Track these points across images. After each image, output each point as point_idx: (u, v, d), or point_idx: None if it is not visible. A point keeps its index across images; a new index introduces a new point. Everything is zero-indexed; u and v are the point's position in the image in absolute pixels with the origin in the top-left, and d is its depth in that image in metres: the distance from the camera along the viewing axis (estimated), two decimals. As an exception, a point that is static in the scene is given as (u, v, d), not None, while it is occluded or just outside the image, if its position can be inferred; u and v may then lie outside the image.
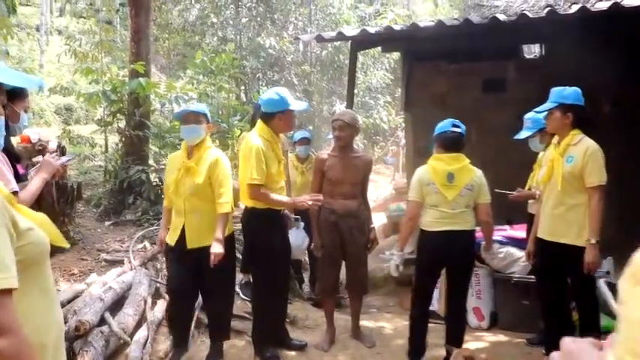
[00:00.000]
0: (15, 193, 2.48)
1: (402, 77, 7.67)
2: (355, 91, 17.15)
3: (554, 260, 3.65)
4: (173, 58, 17.36)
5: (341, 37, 5.76)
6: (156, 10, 15.74)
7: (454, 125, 3.83)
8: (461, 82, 6.89)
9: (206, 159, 3.60)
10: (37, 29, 20.41)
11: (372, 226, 4.43)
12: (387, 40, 6.19)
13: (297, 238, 4.57)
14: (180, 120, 3.76)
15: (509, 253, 4.77)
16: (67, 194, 5.69)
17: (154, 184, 7.22)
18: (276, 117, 3.79)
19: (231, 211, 3.63)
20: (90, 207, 7.50)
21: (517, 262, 4.69)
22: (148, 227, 6.51)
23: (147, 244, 5.92)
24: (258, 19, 15.14)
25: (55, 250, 5.70)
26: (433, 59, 6.89)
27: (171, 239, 3.70)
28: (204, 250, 3.51)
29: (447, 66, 6.97)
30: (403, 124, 17.98)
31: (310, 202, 3.77)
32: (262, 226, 3.87)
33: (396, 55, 19.92)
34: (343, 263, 4.39)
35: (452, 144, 3.79)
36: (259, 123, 3.87)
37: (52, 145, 5.59)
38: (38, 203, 5.42)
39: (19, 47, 19.46)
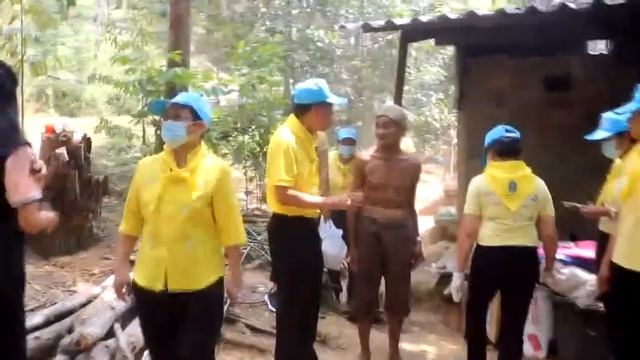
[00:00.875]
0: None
1: (456, 73, 7.09)
2: (406, 87, 16.60)
3: (632, 291, 3.04)
4: (223, 50, 17.16)
5: (390, 25, 5.23)
6: (206, 2, 15.58)
7: (508, 130, 3.57)
8: (521, 78, 6.30)
9: (205, 169, 2.62)
10: (95, 20, 20.76)
11: (419, 239, 3.90)
12: (441, 31, 5.63)
13: (334, 245, 4.10)
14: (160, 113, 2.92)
15: (573, 274, 4.16)
16: (91, 188, 5.39)
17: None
18: (312, 110, 3.27)
19: (245, 241, 2.82)
20: (123, 201, 7.24)
21: (583, 285, 4.07)
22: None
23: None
24: (309, 10, 14.68)
25: (78, 248, 5.45)
26: (490, 53, 6.31)
27: (145, 278, 2.60)
28: (192, 296, 2.55)
29: (506, 61, 6.37)
30: (456, 123, 17.38)
31: (350, 201, 3.20)
32: (292, 238, 3.29)
33: (451, 50, 19.10)
34: (383, 279, 3.90)
35: (509, 150, 3.51)
36: (291, 117, 3.39)
37: (77, 137, 5.31)
38: (60, 199, 5.20)
39: (75, 38, 19.82)
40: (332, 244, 4.05)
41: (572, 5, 4.74)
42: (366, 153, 3.86)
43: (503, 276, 3.44)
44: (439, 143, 17.79)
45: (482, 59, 6.36)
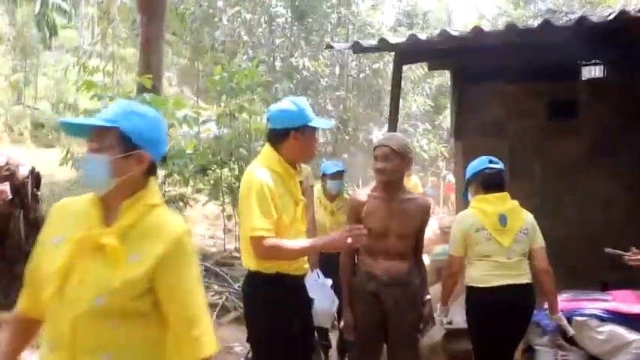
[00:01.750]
0: None
1: (451, 100, 6.55)
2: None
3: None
4: (204, 80, 16.64)
5: (383, 45, 4.65)
6: (187, 31, 15.07)
7: (491, 162, 3.40)
8: (521, 105, 5.76)
9: (146, 232, 1.56)
10: (77, 50, 20.26)
11: (428, 297, 3.22)
12: (438, 52, 5.09)
13: (324, 298, 3.42)
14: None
15: (614, 333, 3.50)
16: (39, 230, 4.66)
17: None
18: (291, 137, 2.61)
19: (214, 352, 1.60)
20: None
21: (627, 347, 3.42)
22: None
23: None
24: (292, 39, 14.22)
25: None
26: (488, 78, 5.79)
27: None
28: None
29: (505, 86, 5.85)
30: (445, 154, 17.04)
31: (350, 239, 2.46)
32: (272, 304, 2.58)
33: (438, 79, 18.95)
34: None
35: (494, 183, 3.34)
36: (266, 148, 2.73)
37: (23, 171, 4.60)
38: (2, 242, 4.48)
39: (56, 68, 19.30)
40: (321, 296, 3.37)
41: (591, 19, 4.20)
42: (362, 192, 3.16)
43: (504, 318, 3.17)
44: (427, 175, 17.29)
45: (479, 85, 5.86)
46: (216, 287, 5.05)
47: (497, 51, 4.88)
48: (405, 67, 17.02)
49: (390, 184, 3.03)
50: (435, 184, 16.11)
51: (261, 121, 7.04)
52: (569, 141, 5.56)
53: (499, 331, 3.21)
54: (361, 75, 15.40)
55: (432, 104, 17.75)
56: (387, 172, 2.99)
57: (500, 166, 3.38)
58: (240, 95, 7.00)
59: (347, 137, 15.43)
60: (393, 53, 5.11)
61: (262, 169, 2.60)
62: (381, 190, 3.06)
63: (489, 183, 3.34)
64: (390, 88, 5.68)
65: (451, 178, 12.22)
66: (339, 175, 4.83)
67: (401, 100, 16.22)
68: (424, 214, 3.12)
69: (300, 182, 4.25)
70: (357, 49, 4.90)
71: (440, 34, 4.43)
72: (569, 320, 3.45)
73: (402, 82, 16.61)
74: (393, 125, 5.06)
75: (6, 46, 20.07)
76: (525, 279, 3.23)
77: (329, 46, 5.16)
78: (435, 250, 7.62)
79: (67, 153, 7.35)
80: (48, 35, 24.54)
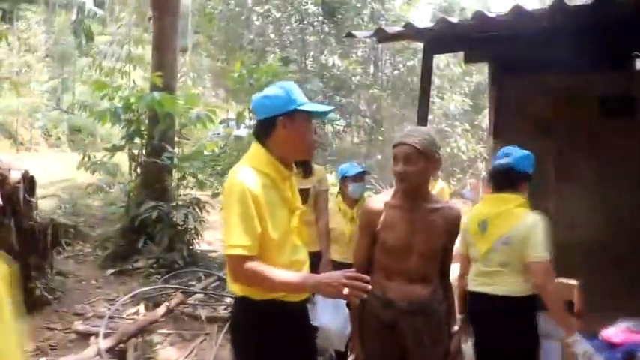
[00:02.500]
0: None
1: (489, 95, 5.95)
2: (430, 116, 15.48)
3: None
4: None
5: (410, 31, 4.11)
6: (215, 31, 14.76)
7: (505, 155, 3.01)
8: (570, 100, 5.09)
9: None
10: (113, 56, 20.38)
11: (456, 328, 2.66)
12: (470, 44, 4.52)
13: (336, 318, 2.94)
14: None
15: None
16: (35, 240, 4.28)
17: (172, 224, 5.76)
18: (279, 125, 2.16)
19: None
20: (97, 249, 6.15)
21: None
22: (154, 281, 5.03)
23: (141, 308, 4.41)
24: (322, 36, 13.73)
25: (15, 314, 4.32)
26: (530, 71, 5.18)
27: None
28: None
29: (550, 79, 5.22)
30: (485, 155, 16.25)
31: (347, 290, 1.95)
32: (263, 338, 2.15)
33: (477, 77, 18.17)
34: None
35: (497, 181, 2.99)
36: (253, 147, 2.24)
37: (15, 176, 4.24)
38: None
39: (90, 73, 19.36)
40: (334, 316, 2.92)
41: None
42: (379, 199, 2.57)
43: (480, 327, 2.91)
44: (466, 177, 16.56)
45: (522, 78, 5.24)
46: (228, 300, 4.62)
47: (540, 38, 4.28)
48: (442, 65, 16.34)
49: (413, 191, 2.47)
50: (474, 186, 15.38)
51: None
52: (626, 140, 4.88)
53: (480, 338, 2.94)
54: (395, 72, 14.78)
55: (471, 103, 16.99)
56: (408, 177, 2.42)
57: (509, 160, 2.93)
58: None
59: (380, 138, 14.85)
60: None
61: (248, 169, 2.11)
62: (402, 198, 2.50)
63: (492, 180, 3.05)
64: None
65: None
66: (361, 177, 4.32)
67: (438, 99, 15.77)
68: (453, 227, 2.55)
69: (312, 187, 3.77)
70: (381, 36, 4.36)
71: (473, 17, 3.86)
72: (632, 356, 2.86)
73: (440, 81, 16.17)
74: (422, 122, 4.50)
75: (45, 54, 20.33)
76: (501, 290, 2.86)
77: (349, 35, 4.62)
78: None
79: (84, 157, 7.05)
80: (85, 42, 24.90)
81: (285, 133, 2.16)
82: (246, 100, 6.54)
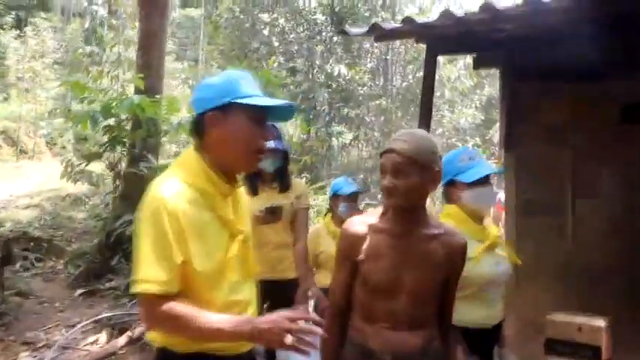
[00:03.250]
0: None
1: (500, 103, 5.46)
2: (440, 130, 14.99)
3: None
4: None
5: (409, 26, 3.61)
6: (221, 39, 14.40)
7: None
8: (588, 109, 4.60)
9: None
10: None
11: None
12: (479, 44, 4.03)
13: None
14: None
15: None
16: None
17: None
18: (207, 123, 1.69)
19: None
20: (69, 266, 5.67)
21: None
22: (124, 305, 4.51)
23: (103, 336, 3.89)
24: (329, 45, 13.28)
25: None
26: (545, 77, 4.67)
27: None
28: None
29: (567, 86, 4.71)
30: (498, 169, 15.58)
31: (290, 339, 1.50)
32: None
33: (488, 90, 17.66)
34: None
35: None
36: (185, 152, 1.77)
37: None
38: None
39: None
40: None
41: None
42: (362, 220, 2.01)
43: None
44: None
45: (535, 85, 4.75)
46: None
47: (556, 39, 3.80)
48: (453, 77, 15.86)
49: (405, 211, 1.94)
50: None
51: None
52: None
53: None
54: (404, 84, 14.29)
55: (483, 117, 16.48)
56: (397, 193, 1.87)
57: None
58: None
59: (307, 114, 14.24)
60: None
61: (173, 181, 1.62)
62: (392, 220, 1.96)
63: None
64: (439, 96, 4.71)
65: (502, 196, 10.99)
66: (354, 197, 3.80)
67: (449, 113, 15.25)
68: (457, 258, 2.00)
69: (291, 204, 3.25)
70: (377, 33, 3.86)
71: (482, 9, 3.34)
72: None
73: (450, 94, 15.64)
74: (424, 125, 3.98)
75: (53, 61, 20.14)
76: None
77: (342, 32, 4.15)
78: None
79: (67, 166, 6.59)
80: (96, 50, 24.78)
81: (216, 134, 1.67)
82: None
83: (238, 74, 1.74)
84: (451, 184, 2.45)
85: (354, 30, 4.22)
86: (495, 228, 2.51)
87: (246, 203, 1.89)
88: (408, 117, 14.48)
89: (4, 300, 4.16)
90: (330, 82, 13.00)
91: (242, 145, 1.67)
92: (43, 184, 9.64)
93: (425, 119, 4.00)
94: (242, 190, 1.88)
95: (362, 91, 13.50)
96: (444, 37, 3.93)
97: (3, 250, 4.00)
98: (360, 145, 14.61)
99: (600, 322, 2.30)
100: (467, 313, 2.29)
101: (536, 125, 4.82)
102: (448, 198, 2.47)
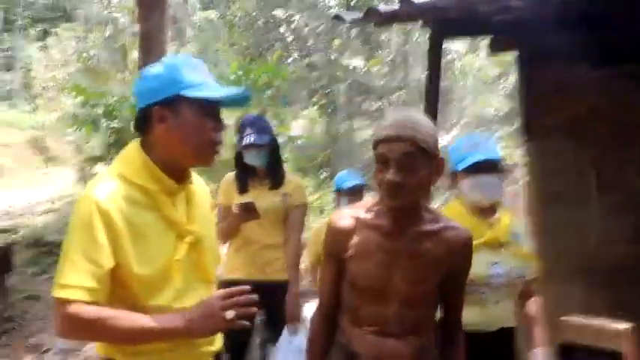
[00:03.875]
0: None
1: (519, 91, 5.20)
2: (465, 120, 14.62)
3: None
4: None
5: (408, 8, 3.37)
6: (234, 37, 14.28)
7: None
8: (616, 95, 4.28)
9: None
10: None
11: None
12: (491, 25, 3.76)
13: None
14: None
15: None
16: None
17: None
18: (154, 119, 1.54)
19: None
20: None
21: None
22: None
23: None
24: (346, 39, 13.06)
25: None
26: (568, 61, 4.36)
27: None
28: None
29: (591, 71, 4.37)
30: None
31: (231, 314, 1.47)
32: None
33: (513, 78, 17.17)
34: None
35: None
36: (128, 147, 1.63)
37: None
38: None
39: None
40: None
41: None
42: (349, 214, 1.79)
43: None
44: (504, 185, 15.61)
45: (557, 69, 4.45)
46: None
47: (579, 20, 3.52)
48: (476, 65, 15.47)
49: (403, 206, 1.69)
50: (512, 194, 14.43)
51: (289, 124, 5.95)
52: None
53: None
54: (424, 75, 13.97)
55: (509, 107, 16.07)
56: (407, 191, 1.62)
57: None
58: (258, 93, 5.86)
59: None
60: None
61: (111, 179, 1.53)
62: (385, 214, 1.72)
63: None
64: (462, 86, 4.47)
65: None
66: (357, 191, 3.59)
67: (474, 102, 14.85)
68: (461, 256, 1.77)
69: (281, 200, 3.07)
70: (375, 19, 3.62)
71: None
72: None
73: (474, 82, 15.24)
74: (431, 113, 3.73)
75: (76, 69, 20.39)
76: None
77: (337, 18, 3.94)
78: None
79: (79, 170, 6.53)
80: (120, 57, 25.10)
81: (162, 129, 1.52)
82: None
83: (184, 60, 1.57)
84: (453, 174, 2.24)
85: (349, 16, 3.99)
86: (504, 224, 2.24)
87: (205, 201, 1.72)
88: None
89: (10, 305, 4.14)
90: (347, 76, 12.79)
91: (192, 141, 1.54)
92: (65, 189, 9.71)
93: (431, 110, 3.75)
94: (201, 188, 1.71)
95: (381, 84, 13.25)
96: (450, 19, 3.67)
97: (2, 256, 3.93)
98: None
99: (622, 326, 2.04)
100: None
101: (558, 114, 4.55)
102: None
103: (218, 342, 1.67)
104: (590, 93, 4.38)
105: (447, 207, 2.26)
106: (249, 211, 2.89)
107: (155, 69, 1.57)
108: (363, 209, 1.78)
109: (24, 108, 20.16)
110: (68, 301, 1.41)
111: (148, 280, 1.48)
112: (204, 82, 1.54)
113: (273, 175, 3.12)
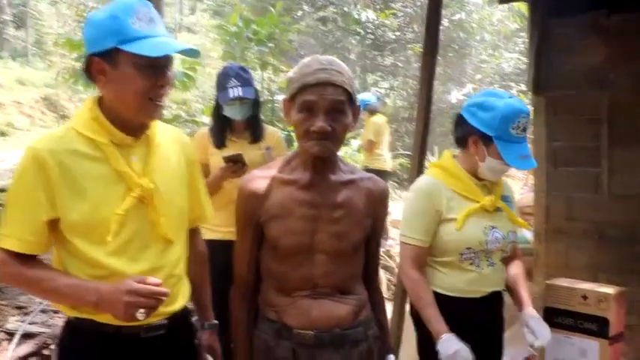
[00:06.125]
0: None
1: (529, 41, 4.97)
2: (479, 75, 14.26)
3: None
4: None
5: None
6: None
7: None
8: (629, 45, 4.04)
9: None
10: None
11: (391, 358, 1.79)
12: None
13: None
14: None
15: None
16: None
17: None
18: (93, 70, 1.47)
19: None
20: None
21: None
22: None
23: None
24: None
25: None
26: (580, 9, 4.12)
27: None
28: None
29: (605, 19, 4.15)
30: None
31: (142, 314, 1.39)
32: None
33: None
34: None
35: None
36: (87, 98, 1.61)
37: None
38: None
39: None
40: None
41: None
42: (261, 174, 1.68)
43: None
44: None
45: (569, 19, 4.22)
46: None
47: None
48: (495, 20, 15.04)
49: (326, 158, 1.60)
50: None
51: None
52: None
53: None
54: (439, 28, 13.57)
55: (527, 61, 15.62)
56: (335, 138, 1.56)
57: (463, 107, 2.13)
58: (259, 46, 5.66)
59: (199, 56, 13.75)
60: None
61: (59, 132, 1.51)
62: (299, 168, 1.63)
63: None
64: (479, 40, 4.26)
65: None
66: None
67: (491, 58, 14.47)
68: (380, 207, 1.71)
69: (261, 153, 2.97)
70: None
71: None
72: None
73: (491, 37, 14.80)
74: (427, 79, 3.51)
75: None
76: None
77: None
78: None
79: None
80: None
81: (103, 82, 1.46)
82: (243, 57, 5.71)
83: (128, 6, 1.42)
84: (477, 136, 2.00)
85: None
86: (500, 189, 2.12)
87: (178, 155, 1.63)
88: (443, 62, 13.82)
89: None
90: (360, 31, 12.46)
91: (132, 96, 1.45)
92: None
93: (432, 45, 3.48)
94: (172, 140, 1.63)
95: (394, 37, 12.91)
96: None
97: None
98: (394, 95, 14.10)
99: (610, 290, 1.92)
100: (445, 279, 2.01)
101: (570, 65, 4.33)
102: (462, 145, 2.08)
103: (178, 302, 1.59)
104: (604, 42, 4.19)
105: (443, 163, 2.09)
106: (237, 164, 2.77)
107: (98, 15, 1.44)
108: (273, 168, 1.68)
109: (38, 65, 20.17)
110: (9, 252, 1.44)
111: (82, 230, 1.44)
112: (147, 35, 1.42)
113: (254, 128, 2.98)
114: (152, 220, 1.50)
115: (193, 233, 1.76)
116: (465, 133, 2.03)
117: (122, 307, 1.36)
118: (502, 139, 1.94)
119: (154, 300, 1.38)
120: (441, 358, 1.84)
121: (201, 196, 1.75)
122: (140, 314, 1.37)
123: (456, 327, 1.93)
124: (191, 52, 1.52)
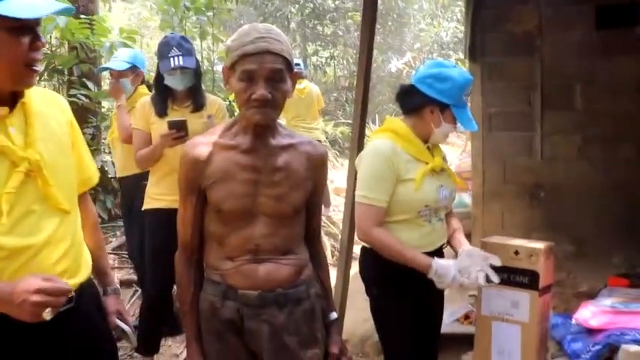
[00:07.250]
0: None
1: (465, 10, 5.09)
2: (418, 44, 14.42)
3: None
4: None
5: None
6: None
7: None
8: (560, 11, 4.31)
9: None
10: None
11: (334, 316, 1.84)
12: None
13: None
14: None
15: None
16: None
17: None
18: None
19: None
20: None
21: None
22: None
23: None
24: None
25: None
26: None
27: None
28: None
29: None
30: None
31: (48, 314, 1.34)
32: None
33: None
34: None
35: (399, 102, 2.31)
36: None
37: None
38: None
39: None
40: None
41: None
42: (202, 140, 1.71)
43: None
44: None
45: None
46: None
47: None
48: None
49: (267, 125, 1.65)
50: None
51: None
52: (626, 58, 4.08)
53: None
54: (378, -3, 13.60)
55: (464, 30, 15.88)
56: (275, 105, 1.60)
57: (414, 77, 2.22)
58: (197, 14, 5.56)
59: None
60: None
61: None
62: (239, 133, 1.67)
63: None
64: (417, 9, 4.28)
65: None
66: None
67: (430, 27, 14.58)
68: (319, 170, 1.77)
69: (203, 122, 2.96)
70: None
71: None
72: (615, 349, 2.13)
73: (429, 6, 14.89)
74: (366, 50, 3.50)
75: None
76: None
77: None
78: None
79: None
80: None
81: None
82: (182, 27, 5.60)
83: None
84: (435, 105, 2.11)
85: None
86: (440, 149, 2.26)
87: (58, 121, 1.55)
88: (382, 32, 13.90)
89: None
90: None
91: (5, 64, 1.33)
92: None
93: (370, 16, 3.50)
94: (50, 106, 1.54)
95: (333, 6, 12.86)
96: None
97: None
98: (334, 64, 14.11)
99: (539, 245, 2.06)
100: (402, 235, 2.11)
101: (503, 33, 4.50)
102: (415, 113, 2.17)
103: (82, 273, 1.55)
104: (535, 11, 4.37)
105: (392, 129, 2.17)
106: (180, 130, 2.76)
107: None
108: (214, 135, 1.70)
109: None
110: None
111: None
112: None
113: (195, 97, 2.98)
114: (44, 192, 1.43)
115: (82, 198, 1.67)
116: (420, 103, 2.13)
117: (28, 307, 1.29)
118: (457, 105, 2.09)
119: (63, 298, 1.34)
120: (446, 281, 1.96)
121: (86, 158, 1.68)
122: (47, 314, 1.31)
123: (409, 281, 2.06)
124: (66, 11, 1.44)
